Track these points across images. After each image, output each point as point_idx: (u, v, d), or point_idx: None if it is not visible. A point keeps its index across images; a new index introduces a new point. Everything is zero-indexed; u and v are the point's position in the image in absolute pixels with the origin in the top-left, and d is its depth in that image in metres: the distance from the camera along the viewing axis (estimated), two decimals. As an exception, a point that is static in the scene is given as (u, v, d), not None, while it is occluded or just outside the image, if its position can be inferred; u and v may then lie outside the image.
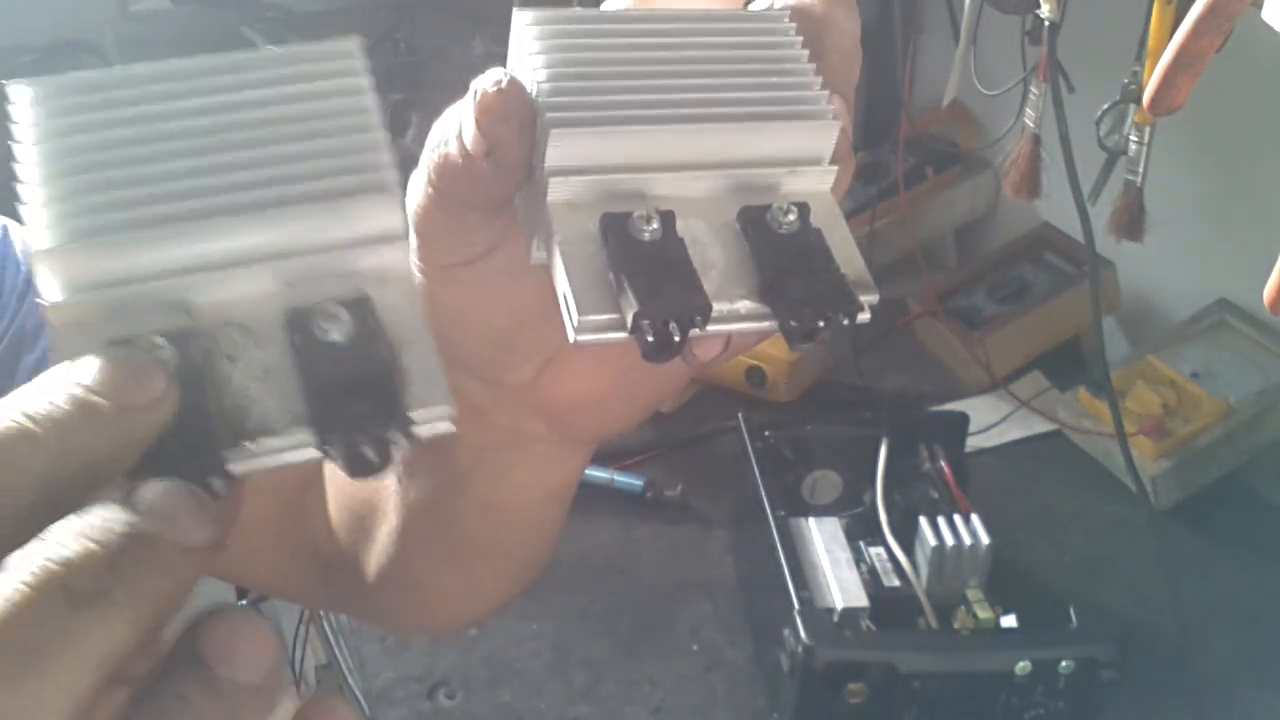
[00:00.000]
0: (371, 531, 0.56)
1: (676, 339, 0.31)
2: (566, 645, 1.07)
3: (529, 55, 0.35)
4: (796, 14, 0.37)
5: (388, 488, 0.53)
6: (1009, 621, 0.97)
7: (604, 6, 0.40)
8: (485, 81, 0.34)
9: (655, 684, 1.03)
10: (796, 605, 0.93)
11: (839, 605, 0.96)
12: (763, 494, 1.05)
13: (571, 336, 0.32)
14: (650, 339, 0.31)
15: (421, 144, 0.38)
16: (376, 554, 0.56)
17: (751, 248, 0.34)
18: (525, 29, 0.35)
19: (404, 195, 0.31)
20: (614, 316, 0.32)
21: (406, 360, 0.30)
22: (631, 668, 1.05)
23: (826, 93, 0.35)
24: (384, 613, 0.65)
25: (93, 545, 0.24)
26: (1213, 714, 1.00)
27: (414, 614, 0.64)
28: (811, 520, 1.06)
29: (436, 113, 0.38)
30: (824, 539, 1.04)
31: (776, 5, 0.38)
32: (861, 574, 1.01)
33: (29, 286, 0.65)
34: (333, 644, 1.14)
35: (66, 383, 0.27)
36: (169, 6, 2.20)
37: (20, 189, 0.29)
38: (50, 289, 0.29)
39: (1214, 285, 1.30)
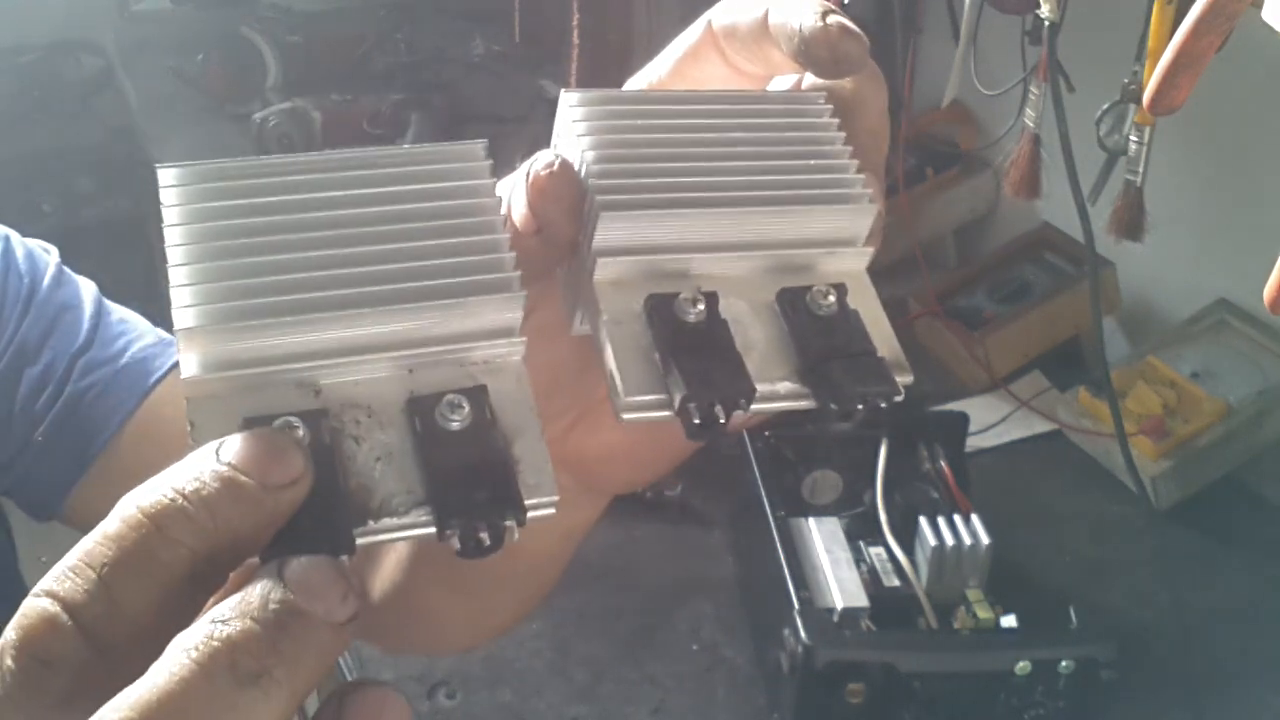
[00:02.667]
0: (377, 556, 0.56)
1: (721, 421, 0.32)
2: (566, 645, 1.07)
3: (576, 136, 0.36)
4: (828, 93, 0.38)
5: None
6: (1009, 621, 0.97)
7: (629, 84, 0.41)
8: (538, 163, 0.35)
9: (655, 684, 1.03)
10: (796, 605, 0.93)
11: (839, 605, 0.96)
12: (763, 494, 1.05)
13: (618, 415, 0.33)
14: (696, 421, 0.32)
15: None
16: (382, 578, 0.56)
17: (791, 329, 0.34)
18: (571, 109, 0.36)
19: (524, 291, 0.33)
20: (661, 397, 0.33)
21: (518, 449, 0.31)
22: (631, 667, 1.05)
23: (862, 176, 0.36)
24: (385, 632, 0.65)
25: (254, 625, 0.26)
26: (1213, 714, 1.00)
27: (417, 636, 0.64)
28: (811, 520, 1.06)
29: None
30: (824, 539, 1.04)
31: (805, 85, 0.39)
32: (861, 574, 1.01)
33: (30, 298, 0.64)
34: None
35: (213, 461, 0.28)
36: (169, 6, 2.20)
37: (168, 267, 0.31)
38: (189, 365, 0.31)
39: (1214, 285, 1.30)
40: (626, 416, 0.33)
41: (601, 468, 0.46)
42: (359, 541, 0.29)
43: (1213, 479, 1.21)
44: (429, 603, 0.56)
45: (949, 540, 1.00)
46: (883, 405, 0.33)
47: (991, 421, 1.31)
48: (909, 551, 1.03)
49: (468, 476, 0.30)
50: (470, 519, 0.29)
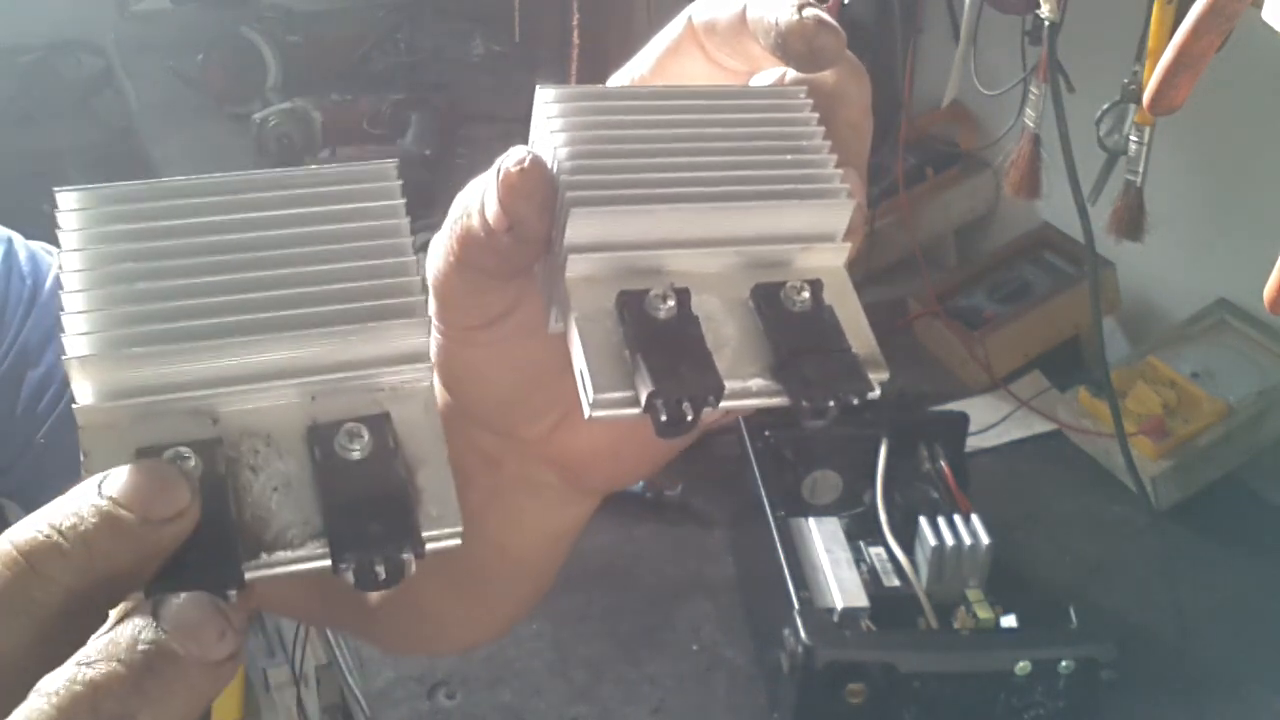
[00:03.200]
0: None
1: (689, 418, 0.32)
2: (566, 645, 1.07)
3: (550, 133, 0.35)
4: (809, 88, 0.38)
5: None
6: (1009, 621, 0.97)
7: (611, 81, 0.40)
8: (509, 160, 0.34)
9: (655, 684, 1.03)
10: (796, 605, 0.93)
11: (839, 605, 0.96)
12: (763, 494, 1.05)
13: (586, 412, 0.33)
14: (664, 418, 0.32)
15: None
16: None
17: (764, 325, 0.34)
18: (547, 106, 0.36)
19: (430, 319, 0.32)
20: (628, 394, 0.32)
21: (421, 479, 0.31)
22: (631, 668, 1.05)
23: (840, 171, 0.36)
24: (385, 635, 0.65)
25: (119, 667, 0.25)
26: (1213, 714, 1.00)
27: (416, 639, 0.64)
28: (811, 520, 1.06)
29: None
30: (824, 539, 1.04)
31: (788, 79, 0.38)
32: (861, 574, 1.01)
33: (33, 300, 0.64)
34: (333, 644, 1.14)
35: (93, 495, 0.27)
36: (169, 6, 2.20)
37: (61, 294, 0.31)
38: (83, 393, 0.30)
39: (1214, 285, 1.30)
40: (594, 414, 0.33)
41: (586, 467, 0.45)
42: (249, 576, 0.29)
43: (1213, 479, 1.21)
44: (425, 604, 0.56)
45: (949, 540, 1.00)
46: (855, 402, 0.33)
47: (991, 421, 1.31)
48: (909, 551, 1.03)
49: (365, 508, 0.30)
50: (365, 552, 0.29)
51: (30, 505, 0.68)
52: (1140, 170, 1.05)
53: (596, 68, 1.48)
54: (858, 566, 1.01)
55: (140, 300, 0.30)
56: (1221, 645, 1.06)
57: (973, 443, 1.19)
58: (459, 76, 1.99)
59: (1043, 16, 1.04)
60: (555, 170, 0.35)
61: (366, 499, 0.30)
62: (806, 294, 0.34)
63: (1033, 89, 1.12)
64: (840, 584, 0.98)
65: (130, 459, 0.29)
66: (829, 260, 0.36)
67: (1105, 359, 1.16)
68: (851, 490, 1.11)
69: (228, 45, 1.90)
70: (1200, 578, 1.13)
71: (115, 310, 0.30)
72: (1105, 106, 1.06)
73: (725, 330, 0.34)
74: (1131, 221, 1.07)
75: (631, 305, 0.33)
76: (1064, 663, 0.90)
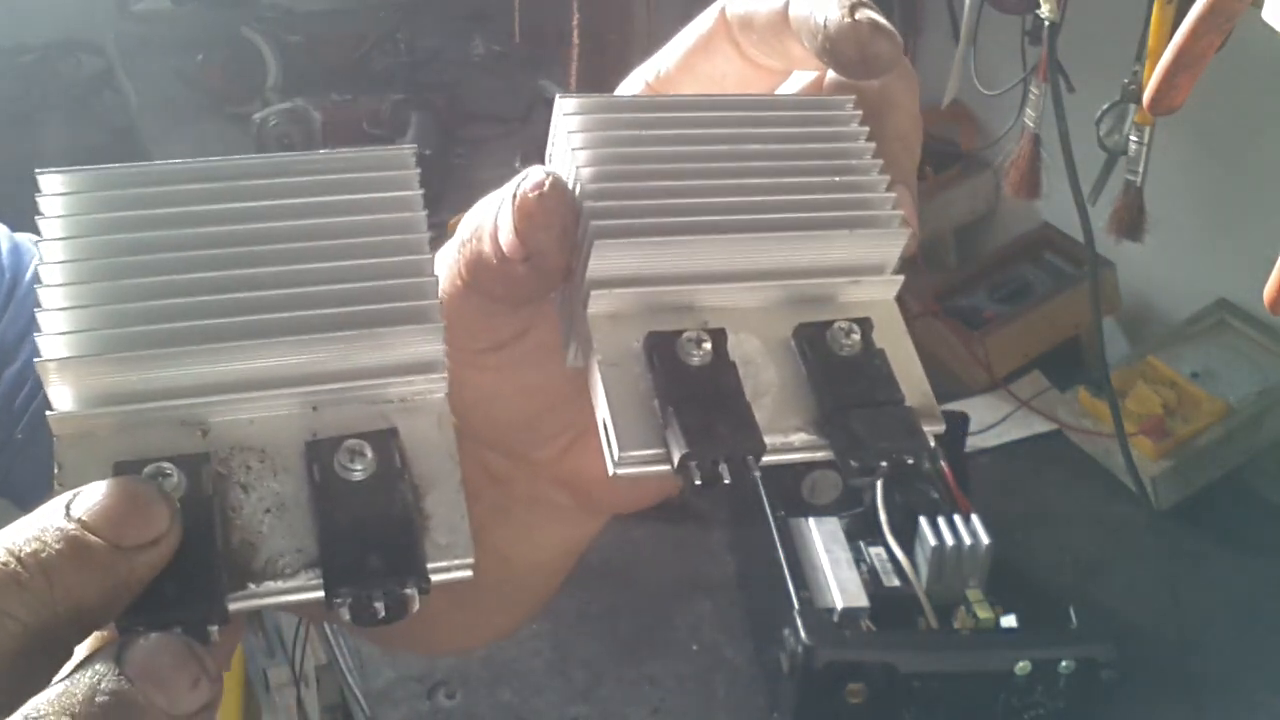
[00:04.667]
0: None
1: (725, 480, 0.29)
2: (566, 645, 1.07)
3: (572, 150, 0.31)
4: (852, 93, 0.34)
5: None
6: (1009, 621, 0.97)
7: (633, 77, 0.37)
8: (526, 182, 0.31)
9: (655, 684, 1.03)
10: (796, 605, 0.93)
11: (839, 605, 0.96)
12: (763, 494, 1.05)
13: (611, 469, 0.30)
14: (697, 482, 0.29)
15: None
16: None
17: (809, 370, 0.31)
18: (567, 118, 0.32)
19: (443, 322, 0.29)
20: (658, 451, 0.29)
21: (430, 503, 0.28)
22: (631, 668, 1.05)
23: (892, 195, 0.32)
24: (382, 634, 0.64)
25: None
26: (1213, 714, 1.00)
27: (407, 639, 0.63)
28: (811, 520, 1.06)
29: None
30: (824, 539, 1.04)
31: (827, 81, 0.35)
32: (861, 574, 1.01)
33: (10, 294, 0.63)
34: (333, 644, 1.14)
35: (60, 517, 0.24)
36: (169, 6, 2.20)
37: (39, 289, 0.28)
38: (61, 399, 0.27)
39: (1214, 285, 1.30)
40: (620, 472, 0.30)
41: (598, 489, 0.43)
42: (233, 608, 0.26)
43: (1213, 479, 1.21)
44: (425, 608, 0.55)
45: (949, 540, 1.00)
46: (910, 462, 0.30)
47: (991, 421, 1.31)
48: (909, 551, 1.03)
49: (366, 535, 0.26)
50: (363, 586, 0.26)
51: (13, 500, 0.68)
52: (1140, 170, 1.05)
53: (596, 68, 1.48)
54: (858, 566, 1.02)
55: (127, 298, 0.28)
56: (1221, 645, 1.06)
57: (973, 443, 1.20)
58: (459, 76, 1.99)
59: (1043, 16, 1.04)
60: (578, 192, 0.31)
61: (367, 525, 0.27)
62: (856, 336, 0.31)
63: (1033, 89, 1.12)
64: (840, 584, 0.98)
65: (108, 473, 0.26)
66: (878, 294, 0.32)
67: (1105, 359, 1.16)
68: (851, 490, 1.11)
69: (228, 45, 1.90)
70: (1200, 578, 1.13)
71: (99, 308, 0.27)
72: (1105, 106, 1.06)
73: (765, 376, 0.31)
74: (1131, 221, 1.07)
75: (662, 350, 0.30)
76: (1064, 663, 0.90)
